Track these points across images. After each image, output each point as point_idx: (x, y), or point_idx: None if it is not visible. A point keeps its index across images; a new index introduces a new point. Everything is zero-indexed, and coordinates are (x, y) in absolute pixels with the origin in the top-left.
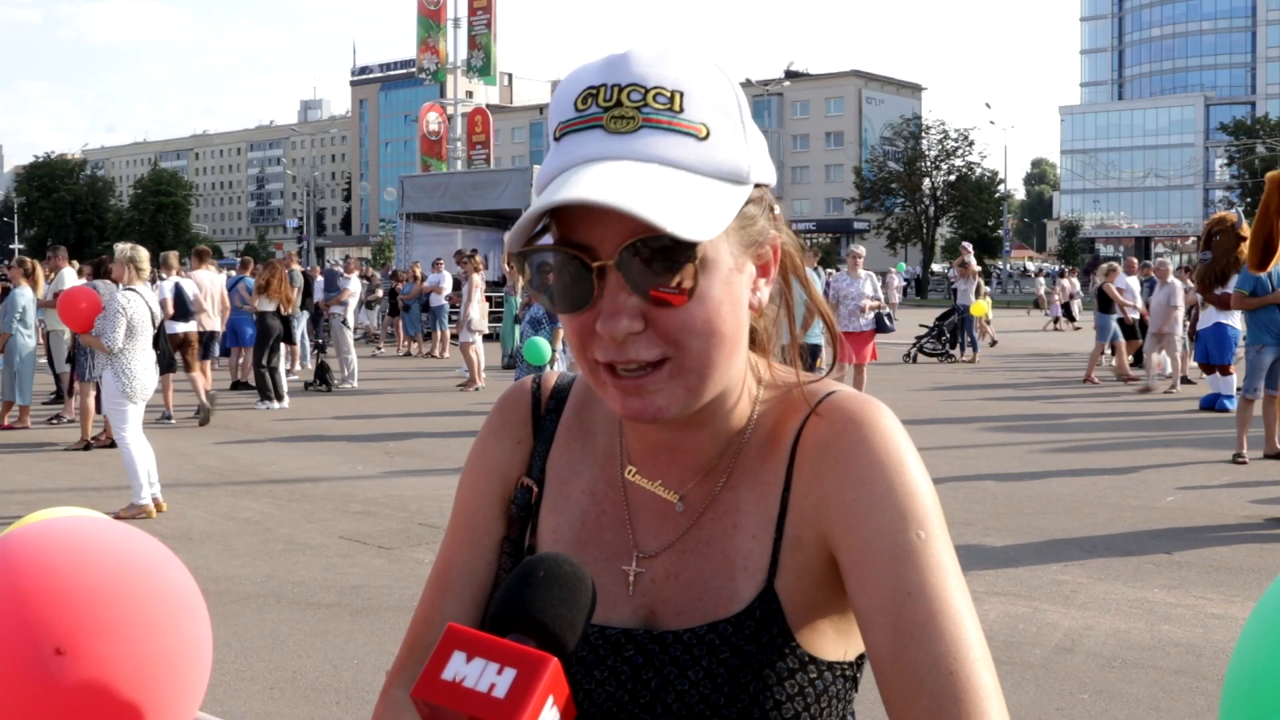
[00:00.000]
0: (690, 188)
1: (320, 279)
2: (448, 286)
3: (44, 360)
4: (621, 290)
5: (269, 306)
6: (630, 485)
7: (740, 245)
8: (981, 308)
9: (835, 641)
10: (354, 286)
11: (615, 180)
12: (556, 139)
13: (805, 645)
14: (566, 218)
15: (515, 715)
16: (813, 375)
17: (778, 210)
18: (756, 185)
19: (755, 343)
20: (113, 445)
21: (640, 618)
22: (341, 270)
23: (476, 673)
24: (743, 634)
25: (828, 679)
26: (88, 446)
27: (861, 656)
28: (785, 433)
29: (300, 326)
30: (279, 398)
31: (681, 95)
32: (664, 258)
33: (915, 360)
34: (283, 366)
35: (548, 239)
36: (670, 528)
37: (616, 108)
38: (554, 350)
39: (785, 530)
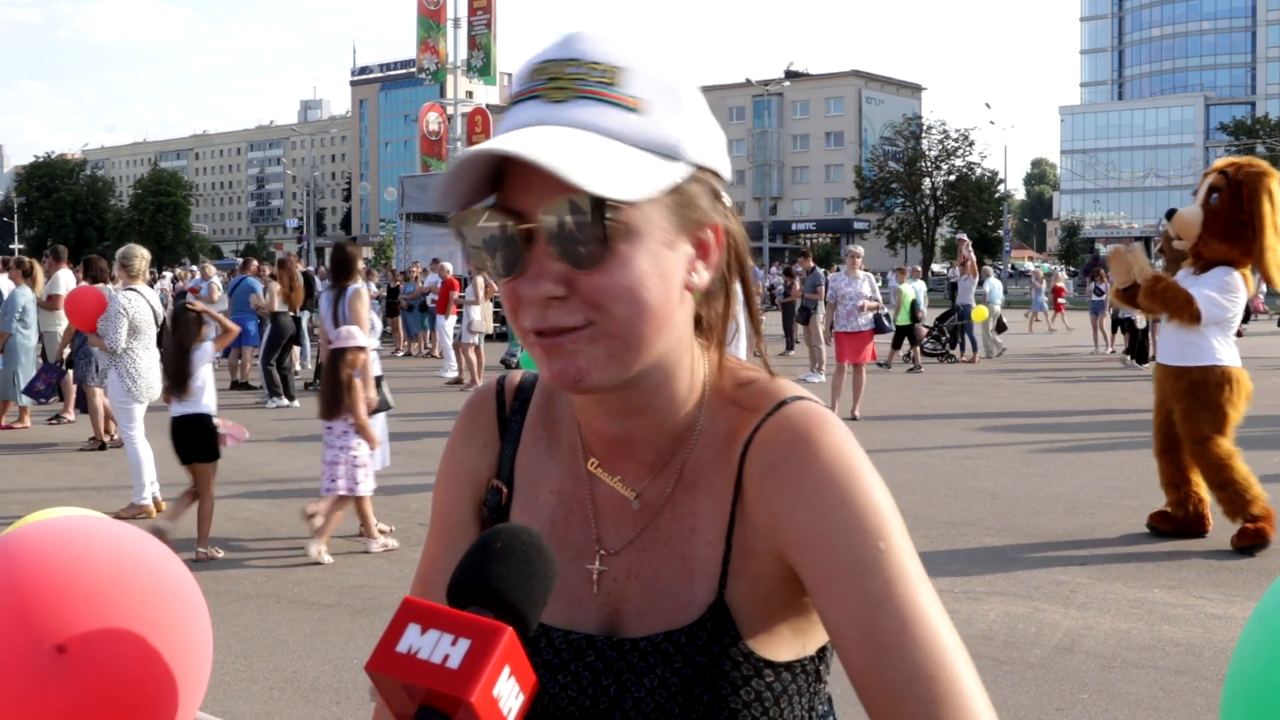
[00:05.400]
0: (614, 153)
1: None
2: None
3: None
4: (545, 254)
5: (284, 307)
6: (594, 481)
7: (676, 222)
8: (983, 313)
9: (792, 641)
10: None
11: (535, 138)
12: (505, 111)
13: (760, 650)
14: (505, 186)
15: (469, 685)
16: (758, 373)
17: (728, 201)
18: (700, 168)
19: (702, 331)
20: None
21: (604, 617)
22: None
23: (431, 644)
24: (695, 644)
25: (786, 679)
26: (102, 446)
27: (823, 649)
28: (737, 438)
29: (302, 326)
30: (289, 397)
31: (619, 70)
32: (583, 220)
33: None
34: (295, 366)
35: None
36: (630, 524)
37: (556, 80)
38: None
39: (735, 541)
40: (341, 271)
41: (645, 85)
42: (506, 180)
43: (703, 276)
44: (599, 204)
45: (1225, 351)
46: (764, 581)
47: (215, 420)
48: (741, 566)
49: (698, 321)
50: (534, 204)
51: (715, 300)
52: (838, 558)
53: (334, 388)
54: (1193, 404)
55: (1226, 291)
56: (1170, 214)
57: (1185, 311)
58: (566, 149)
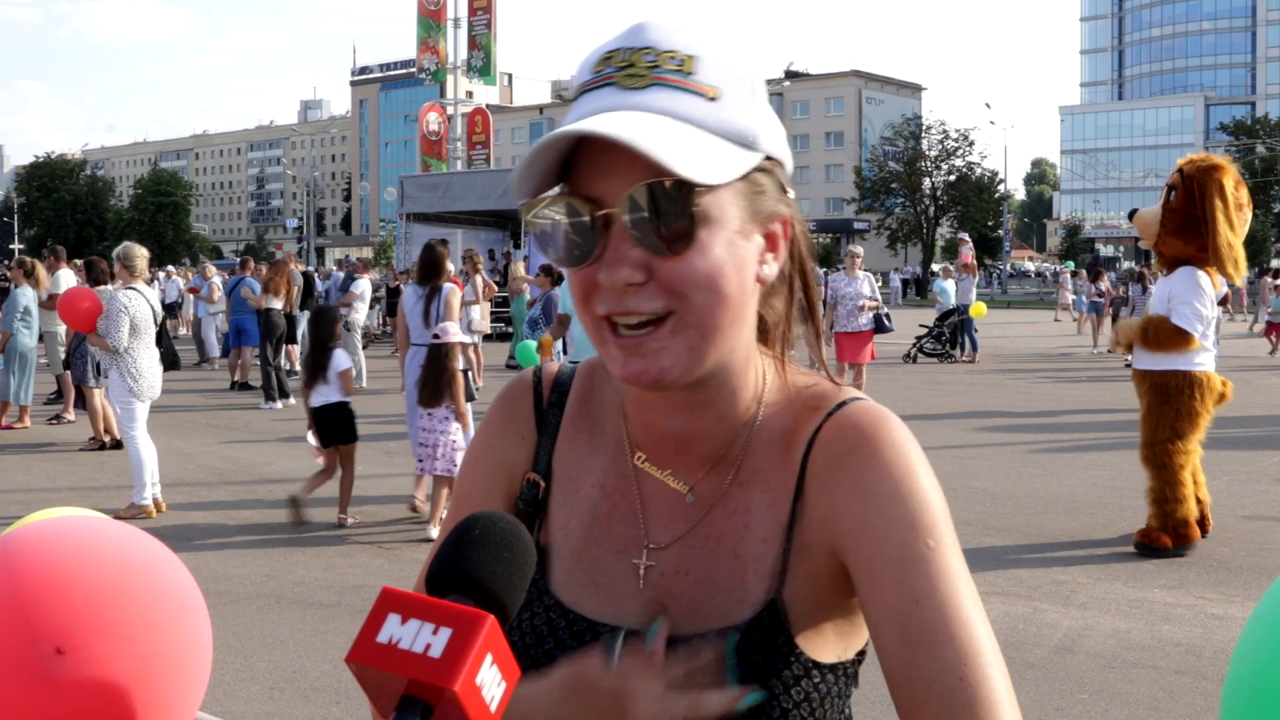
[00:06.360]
0: (696, 139)
1: (335, 280)
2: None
3: (44, 360)
4: (624, 240)
5: (275, 304)
6: (641, 475)
7: (748, 212)
8: (981, 309)
9: (836, 643)
10: (359, 288)
11: (621, 122)
12: (573, 100)
13: (809, 651)
14: (576, 172)
15: (452, 674)
16: (817, 376)
17: (791, 192)
18: (769, 158)
19: (764, 336)
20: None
21: (651, 612)
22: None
23: (412, 634)
24: (750, 642)
25: (830, 681)
26: (102, 446)
27: (860, 653)
28: (798, 438)
29: (300, 326)
30: (283, 395)
31: (694, 59)
32: (666, 206)
33: (915, 360)
34: (294, 366)
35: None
36: (680, 520)
37: (629, 68)
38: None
39: (795, 537)
40: (431, 271)
41: (720, 74)
42: (579, 166)
43: (772, 268)
44: (681, 189)
45: (1191, 355)
46: (817, 579)
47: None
48: (799, 563)
49: (761, 322)
50: (611, 189)
51: (776, 298)
52: (886, 551)
53: (437, 379)
54: (1153, 405)
55: (1200, 296)
56: (1132, 214)
57: (1177, 341)
58: (651, 132)
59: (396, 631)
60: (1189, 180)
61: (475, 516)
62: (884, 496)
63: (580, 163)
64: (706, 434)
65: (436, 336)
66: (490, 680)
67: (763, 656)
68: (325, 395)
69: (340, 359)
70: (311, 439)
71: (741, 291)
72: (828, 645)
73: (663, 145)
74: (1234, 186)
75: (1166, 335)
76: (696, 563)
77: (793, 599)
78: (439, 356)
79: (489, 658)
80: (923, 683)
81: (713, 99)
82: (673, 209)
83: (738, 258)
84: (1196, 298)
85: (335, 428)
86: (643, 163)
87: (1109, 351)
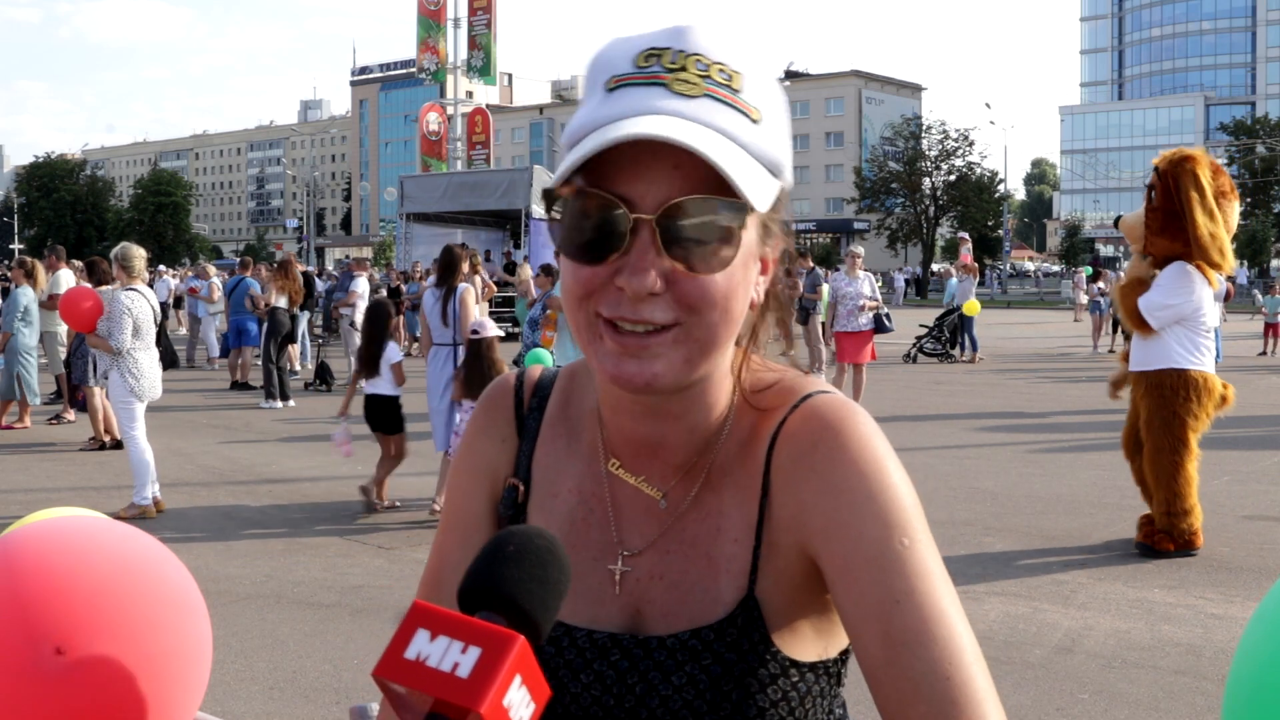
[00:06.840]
0: (745, 161)
1: (332, 280)
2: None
3: (44, 360)
4: (653, 248)
5: (282, 303)
6: (614, 481)
7: (760, 238)
8: (975, 307)
9: (815, 642)
10: (361, 287)
11: (685, 130)
12: (609, 90)
13: (786, 650)
14: (606, 168)
15: (479, 696)
16: (783, 371)
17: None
18: (784, 189)
19: (737, 340)
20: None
21: (627, 617)
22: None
23: (440, 651)
24: (724, 641)
25: (810, 680)
26: (102, 446)
27: (844, 652)
28: (762, 434)
29: (301, 325)
30: (284, 397)
31: (740, 76)
32: (705, 224)
33: (915, 360)
34: (294, 366)
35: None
36: (654, 525)
37: (682, 72)
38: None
39: (764, 535)
40: (448, 272)
41: (761, 95)
42: (610, 161)
43: (761, 290)
44: (729, 210)
45: (1185, 354)
46: (788, 578)
47: (340, 432)
48: (769, 562)
49: None
50: (647, 193)
51: (752, 310)
52: (861, 551)
53: (483, 371)
54: (1152, 409)
55: (1170, 289)
56: (1117, 221)
57: (1134, 321)
58: (719, 149)
59: (425, 648)
60: (1164, 177)
61: (511, 532)
62: (855, 494)
63: (613, 158)
64: (679, 441)
65: (475, 332)
66: (519, 701)
67: (737, 655)
68: (376, 387)
69: (393, 352)
70: (339, 432)
71: (742, 313)
72: (806, 643)
73: (731, 164)
74: (1211, 175)
75: (1132, 315)
76: (670, 568)
77: (766, 597)
78: (481, 351)
79: (518, 679)
80: (907, 683)
81: (756, 121)
82: (716, 228)
83: (747, 280)
84: (1169, 294)
85: (383, 417)
86: (684, 173)
87: (1113, 375)
